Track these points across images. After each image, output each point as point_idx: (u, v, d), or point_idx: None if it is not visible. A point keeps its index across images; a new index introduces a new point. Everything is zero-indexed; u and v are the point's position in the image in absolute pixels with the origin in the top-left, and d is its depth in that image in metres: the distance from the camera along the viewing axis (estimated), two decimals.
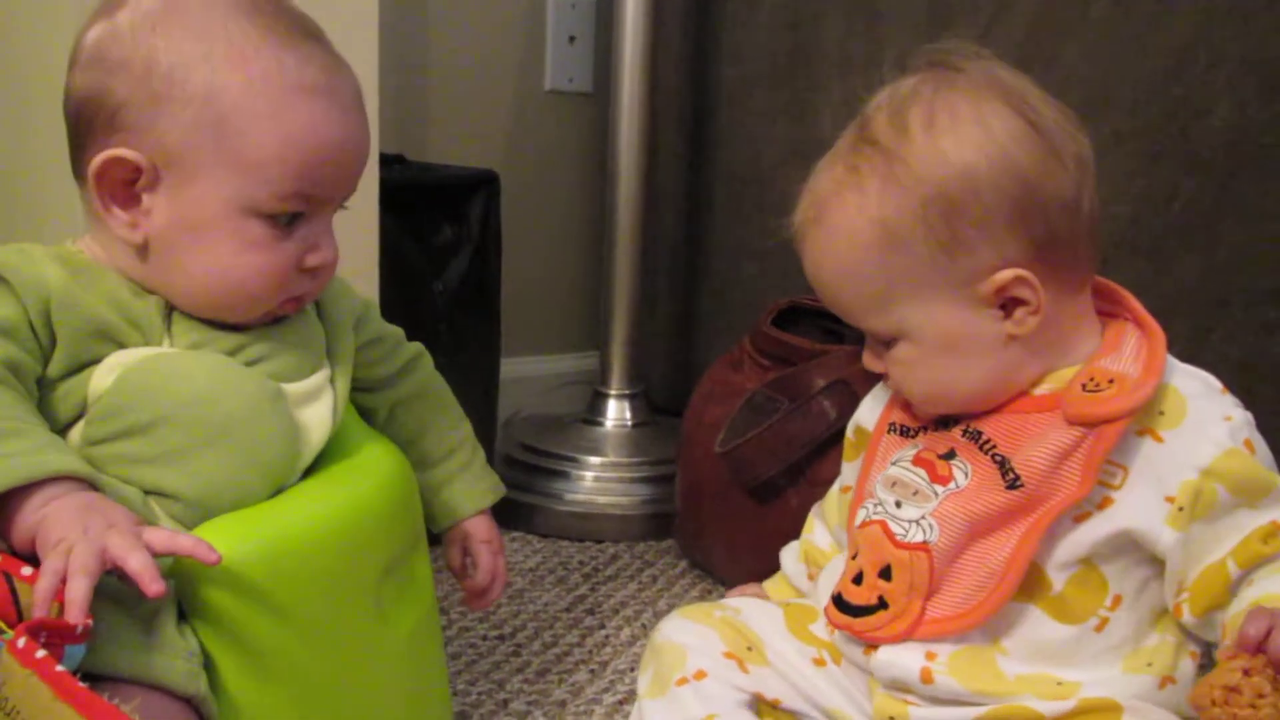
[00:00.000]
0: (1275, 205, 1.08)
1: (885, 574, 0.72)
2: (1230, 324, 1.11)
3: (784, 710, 0.76)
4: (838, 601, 0.74)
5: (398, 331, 0.85)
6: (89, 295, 0.65)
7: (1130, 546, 0.69)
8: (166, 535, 0.57)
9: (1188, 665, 0.70)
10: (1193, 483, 0.66)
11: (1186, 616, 0.68)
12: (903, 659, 0.70)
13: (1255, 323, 1.10)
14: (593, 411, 1.49)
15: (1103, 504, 0.69)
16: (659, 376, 1.62)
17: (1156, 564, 0.69)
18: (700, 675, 0.75)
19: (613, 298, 1.47)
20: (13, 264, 0.63)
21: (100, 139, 0.65)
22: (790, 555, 0.88)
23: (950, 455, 0.73)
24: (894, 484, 0.74)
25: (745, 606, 0.82)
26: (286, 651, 0.64)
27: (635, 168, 1.43)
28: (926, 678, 0.69)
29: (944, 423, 0.75)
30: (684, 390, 1.35)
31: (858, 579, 0.73)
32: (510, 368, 1.54)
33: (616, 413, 1.49)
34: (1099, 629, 0.69)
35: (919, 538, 0.71)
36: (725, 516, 1.16)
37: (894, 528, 0.72)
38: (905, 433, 0.78)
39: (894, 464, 0.76)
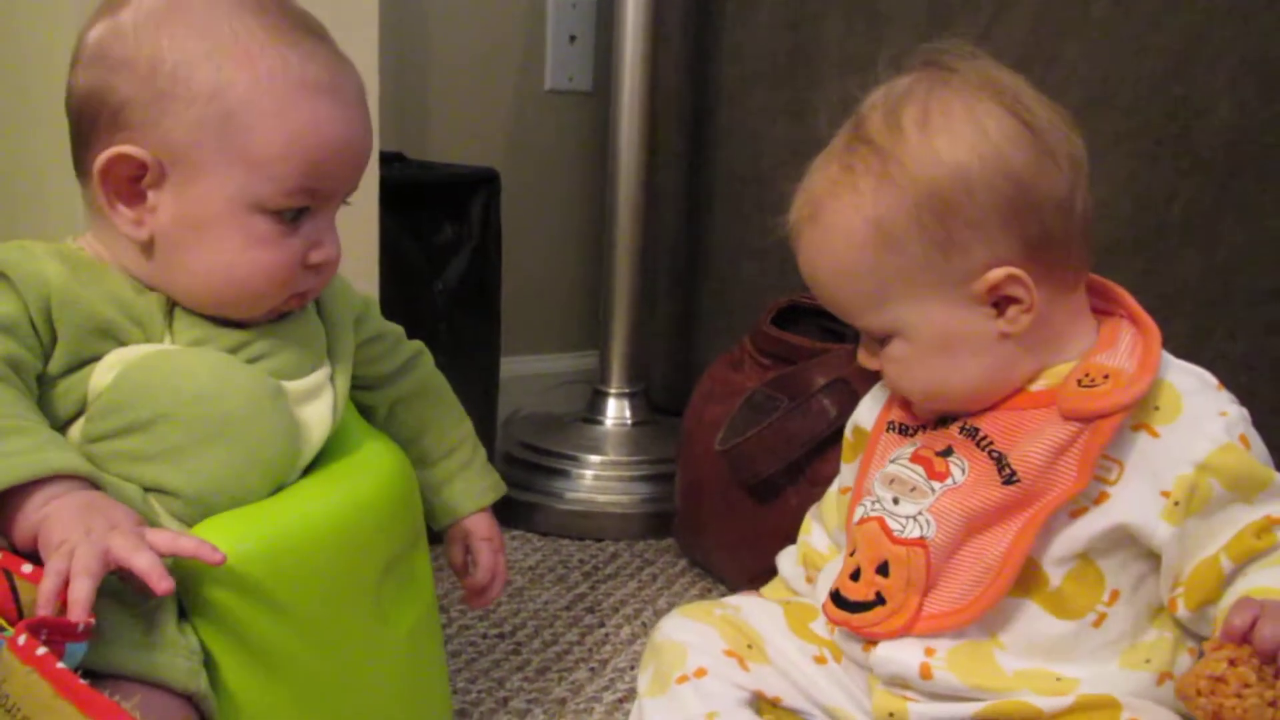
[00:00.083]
0: (1275, 204, 1.08)
1: (883, 570, 0.72)
2: (1230, 323, 1.11)
3: (784, 708, 0.76)
4: (835, 598, 0.74)
5: (398, 329, 0.85)
6: (90, 292, 0.65)
7: (1126, 541, 0.69)
8: (169, 536, 0.58)
9: (1185, 661, 0.70)
10: (1188, 477, 0.67)
11: (1181, 611, 0.68)
12: (901, 655, 0.70)
13: (1256, 322, 1.10)
14: (593, 410, 1.49)
15: (1099, 499, 0.69)
16: (659, 375, 1.62)
17: (1153, 559, 0.69)
18: (701, 673, 0.75)
19: (613, 297, 1.47)
20: (13, 260, 0.64)
21: (104, 137, 0.65)
22: (788, 559, 0.88)
23: (948, 452, 0.73)
24: (892, 481, 0.74)
25: (745, 604, 0.82)
26: (286, 649, 0.64)
27: (635, 167, 1.43)
28: (925, 673, 0.69)
29: (942, 420, 0.76)
30: (684, 389, 1.35)
31: (855, 575, 0.73)
32: (510, 366, 1.54)
33: (616, 411, 1.49)
34: (1096, 624, 0.69)
35: (916, 533, 0.71)
36: (725, 515, 1.16)
37: (891, 524, 0.72)
38: (904, 431, 0.78)
39: (892, 461, 0.76)
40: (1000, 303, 0.70)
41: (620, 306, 1.47)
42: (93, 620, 0.52)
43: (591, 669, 1.03)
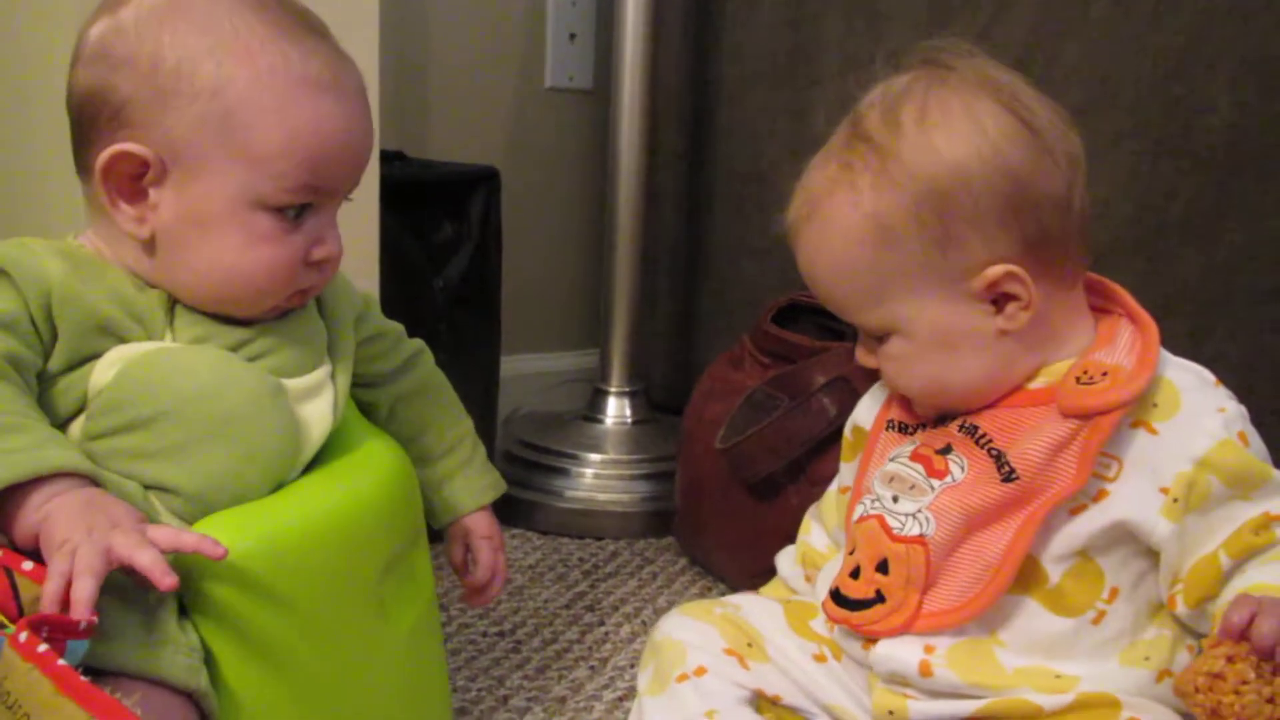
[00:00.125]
0: (1276, 203, 1.08)
1: (882, 568, 0.72)
2: (1231, 322, 1.11)
3: (784, 706, 0.76)
4: (835, 596, 0.74)
5: (398, 327, 0.85)
6: (91, 289, 0.65)
7: (1126, 538, 0.69)
8: (171, 533, 0.58)
9: (1185, 659, 0.70)
10: (1187, 474, 0.67)
11: (1180, 608, 0.68)
12: (901, 652, 0.71)
13: (1256, 321, 1.10)
14: (593, 409, 1.49)
15: (1098, 496, 0.69)
16: (659, 374, 1.62)
17: (1152, 556, 0.69)
18: (701, 672, 0.75)
19: (613, 295, 1.47)
20: (14, 257, 0.63)
21: (105, 134, 0.65)
22: (786, 559, 0.88)
23: (947, 450, 0.73)
24: (891, 479, 0.74)
25: (745, 603, 0.82)
26: (287, 647, 0.64)
27: (635, 166, 1.43)
28: (925, 671, 0.69)
29: (941, 418, 0.76)
30: (684, 388, 1.36)
31: (855, 573, 0.74)
32: (510, 365, 1.54)
33: (617, 410, 1.49)
34: (1096, 622, 0.69)
35: (915, 531, 0.71)
36: (725, 514, 1.16)
37: (891, 522, 0.73)
38: (903, 429, 0.78)
39: (892, 460, 0.76)
40: (999, 300, 0.70)
41: (620, 305, 1.47)
42: (95, 618, 0.52)
43: (591, 667, 1.03)
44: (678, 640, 0.78)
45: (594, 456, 1.40)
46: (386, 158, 1.23)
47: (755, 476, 1.11)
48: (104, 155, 0.65)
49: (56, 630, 0.50)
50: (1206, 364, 0.73)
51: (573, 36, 1.69)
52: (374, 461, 0.74)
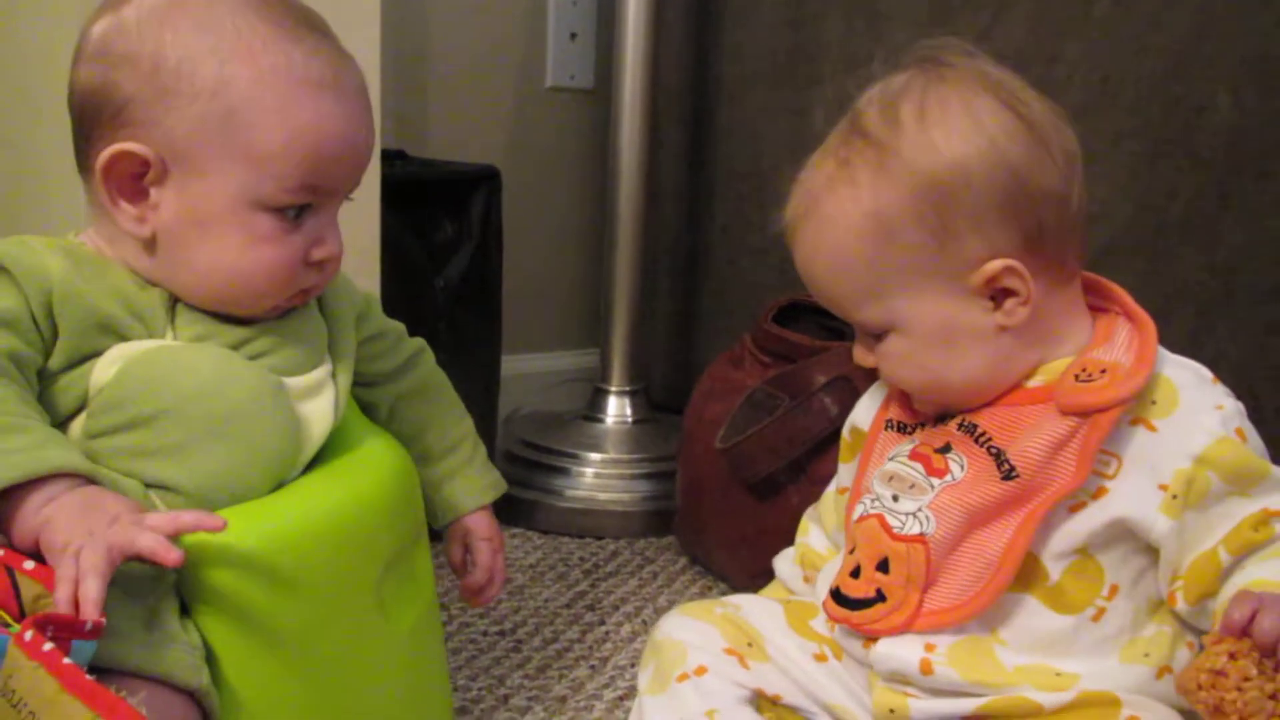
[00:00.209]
0: (1275, 203, 1.08)
1: (883, 567, 0.72)
2: (1231, 322, 1.11)
3: (785, 706, 0.76)
4: (836, 595, 0.74)
5: (399, 326, 0.85)
6: (92, 287, 0.65)
7: (1125, 535, 0.69)
8: (169, 517, 0.58)
9: (1184, 656, 0.70)
10: (1186, 471, 0.67)
11: (1180, 605, 0.68)
12: (901, 651, 0.71)
13: (1256, 320, 1.10)
14: (593, 408, 1.49)
15: (1097, 493, 0.69)
16: (659, 373, 1.62)
17: (1152, 553, 0.69)
18: (701, 671, 0.75)
19: (613, 295, 1.47)
20: (15, 255, 0.64)
21: (107, 133, 0.65)
22: (785, 561, 0.88)
23: (946, 449, 0.74)
24: (891, 479, 0.75)
25: (745, 603, 0.82)
26: (287, 645, 0.64)
27: (636, 165, 1.43)
28: (926, 669, 0.70)
29: (940, 417, 0.76)
30: (684, 387, 1.36)
31: (855, 572, 0.74)
32: (511, 364, 1.54)
33: (617, 409, 1.49)
34: (1096, 619, 0.70)
35: (916, 530, 0.71)
36: (726, 513, 1.16)
37: (891, 521, 0.73)
38: (902, 429, 0.78)
39: (891, 459, 0.76)
40: (997, 295, 0.71)
41: (621, 304, 1.47)
42: (103, 620, 0.52)
43: (592, 667, 1.03)
44: (678, 640, 0.78)
45: (594, 456, 1.40)
46: (387, 157, 1.23)
47: (756, 476, 1.11)
48: (105, 154, 0.65)
49: (62, 629, 0.50)
50: (1207, 363, 0.73)
51: (573, 36, 1.69)
52: (375, 461, 0.74)
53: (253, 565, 0.62)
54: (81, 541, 0.54)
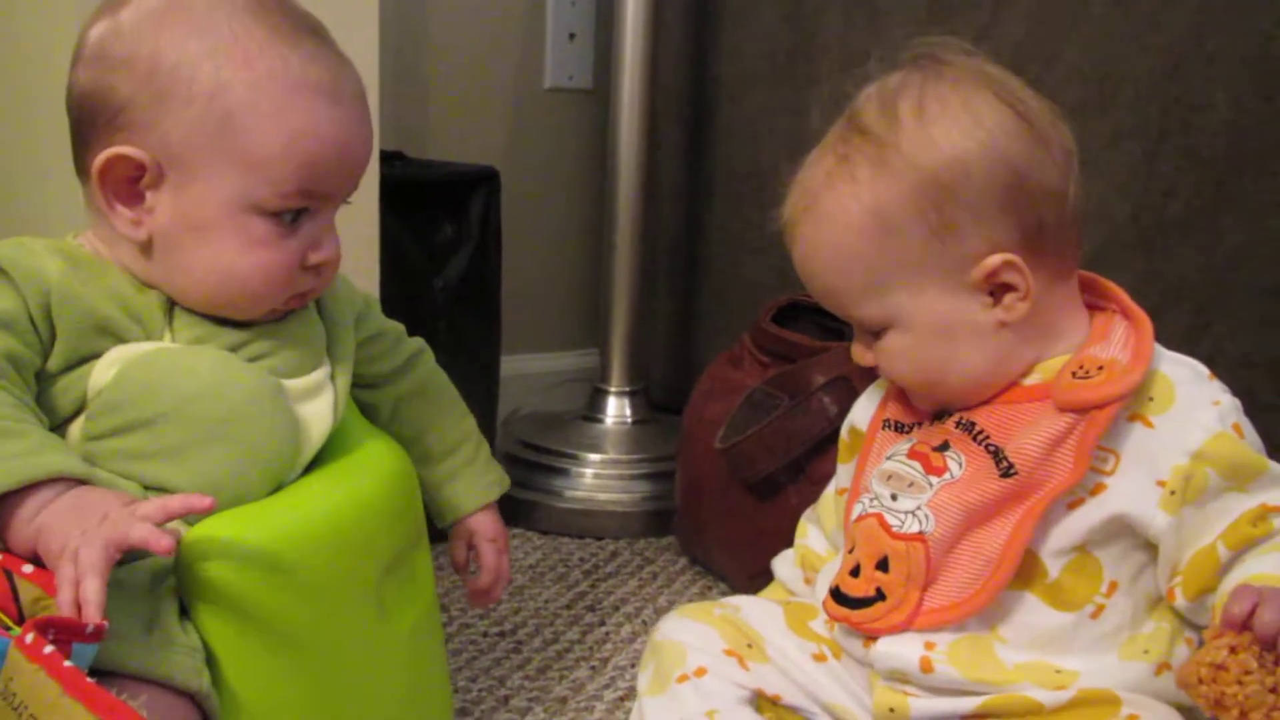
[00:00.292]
0: (1274, 202, 1.08)
1: (882, 565, 0.72)
2: (1230, 320, 1.11)
3: (784, 706, 0.76)
4: (835, 594, 0.74)
5: (398, 327, 0.85)
6: (90, 289, 0.65)
7: (1124, 532, 0.69)
8: (158, 504, 0.58)
9: (1183, 652, 0.70)
10: (1183, 467, 0.67)
11: (1179, 601, 0.68)
12: (901, 649, 0.71)
13: (1255, 318, 1.10)
14: (593, 409, 1.49)
15: (1095, 490, 0.69)
16: (659, 373, 1.62)
17: (1151, 550, 0.69)
18: (701, 672, 0.75)
19: (613, 295, 1.47)
20: (13, 257, 0.64)
21: (104, 136, 0.65)
22: (784, 562, 0.88)
23: (944, 447, 0.74)
24: (889, 478, 0.75)
25: (745, 604, 0.82)
26: (287, 647, 0.64)
27: (635, 165, 1.43)
28: (926, 667, 0.70)
29: (937, 415, 0.76)
30: (684, 387, 1.36)
31: (855, 571, 0.74)
32: (510, 365, 1.54)
33: (616, 410, 1.49)
34: (1095, 616, 0.70)
35: (915, 528, 0.71)
36: (725, 513, 1.16)
37: (890, 520, 0.73)
38: (899, 428, 0.78)
39: (889, 458, 0.76)
40: (996, 291, 0.71)
41: (620, 304, 1.47)
42: (105, 623, 0.52)
43: (592, 667, 1.03)
44: (678, 641, 0.78)
45: (594, 456, 1.40)
46: (386, 158, 1.23)
47: (755, 476, 1.11)
48: (101, 158, 0.65)
49: (63, 632, 0.50)
50: (1204, 361, 0.73)
51: (572, 36, 1.69)
52: (374, 462, 0.74)
53: (252, 567, 0.62)
54: (77, 541, 0.54)
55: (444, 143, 1.59)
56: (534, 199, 1.67)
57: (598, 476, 1.38)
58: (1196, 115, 1.09)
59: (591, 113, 1.69)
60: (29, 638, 0.49)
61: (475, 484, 0.86)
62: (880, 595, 0.72)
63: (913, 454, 0.75)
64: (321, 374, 0.72)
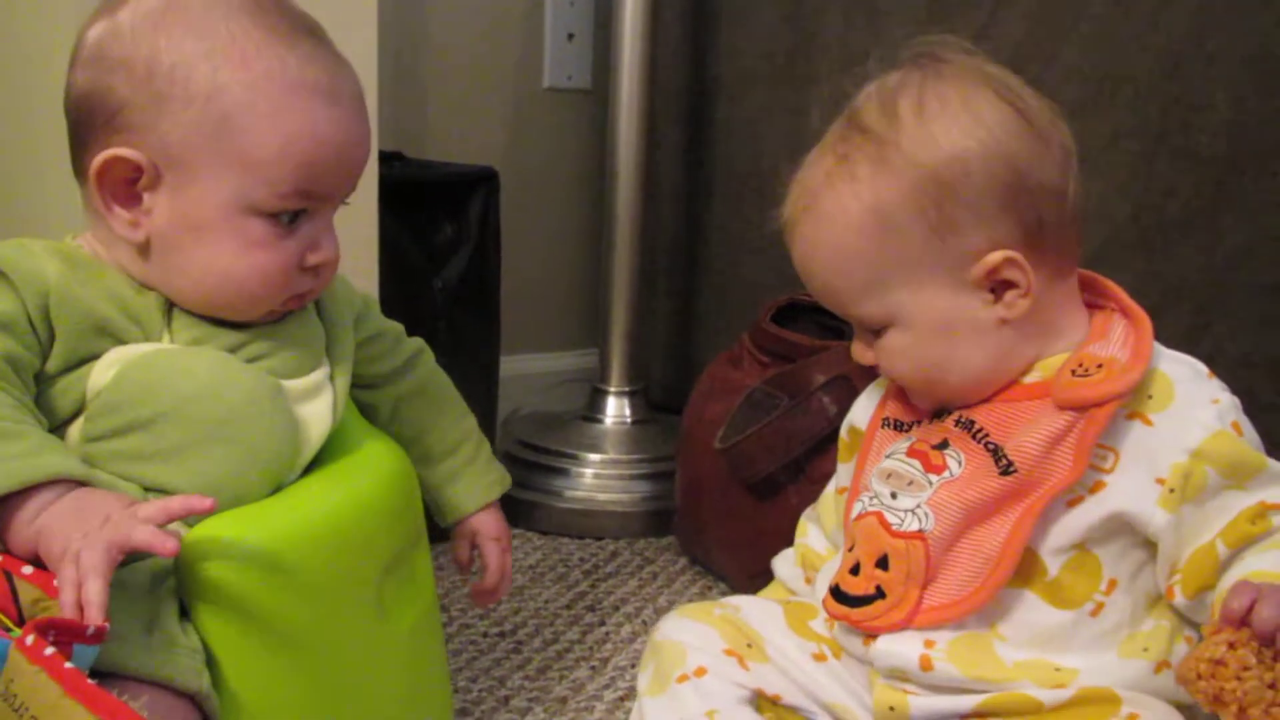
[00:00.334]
0: (1274, 201, 1.08)
1: (882, 564, 0.72)
2: (1230, 319, 1.11)
3: (784, 706, 0.76)
4: (835, 593, 0.74)
5: (398, 327, 0.85)
6: (89, 290, 0.65)
7: (1123, 530, 0.69)
8: (159, 506, 0.58)
9: (1183, 650, 0.70)
10: (1183, 465, 0.67)
11: (1179, 598, 0.68)
12: (901, 647, 0.71)
13: (1255, 318, 1.10)
14: (592, 409, 1.49)
15: (1095, 488, 0.70)
16: (658, 373, 1.62)
17: (1150, 548, 0.70)
18: (701, 672, 0.75)
19: (612, 295, 1.47)
20: (11, 258, 0.63)
21: (101, 138, 0.65)
22: (784, 562, 0.89)
23: (943, 445, 0.74)
24: (889, 476, 0.75)
25: (745, 604, 0.82)
26: (287, 648, 0.64)
27: (634, 165, 1.43)
28: (926, 665, 0.70)
29: (937, 414, 0.76)
30: (684, 387, 1.36)
31: (855, 570, 0.74)
32: (510, 365, 1.54)
33: (616, 410, 1.49)
34: (1094, 614, 0.70)
35: (915, 526, 0.71)
36: (725, 513, 1.16)
37: (890, 518, 0.73)
38: (899, 427, 0.79)
39: (888, 457, 0.76)
40: (997, 288, 0.71)
41: (619, 304, 1.47)
42: (106, 625, 0.52)
43: (592, 667, 1.03)
44: (677, 641, 0.78)
45: (594, 456, 1.40)
46: (385, 158, 1.23)
47: (755, 476, 1.11)
48: (98, 159, 0.65)
49: (64, 634, 0.50)
50: (1204, 360, 0.73)
51: (571, 36, 1.69)
52: (374, 463, 0.74)
53: (252, 567, 0.62)
54: (79, 543, 0.54)
55: (443, 143, 1.59)
56: (533, 199, 1.67)
57: (597, 476, 1.38)
58: (1196, 115, 1.09)
59: (590, 113, 1.69)
60: (29, 639, 0.49)
61: (477, 483, 0.86)
62: (880, 593, 0.72)
63: (912, 452, 0.75)
64: (320, 374, 0.72)
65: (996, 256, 0.70)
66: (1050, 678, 0.69)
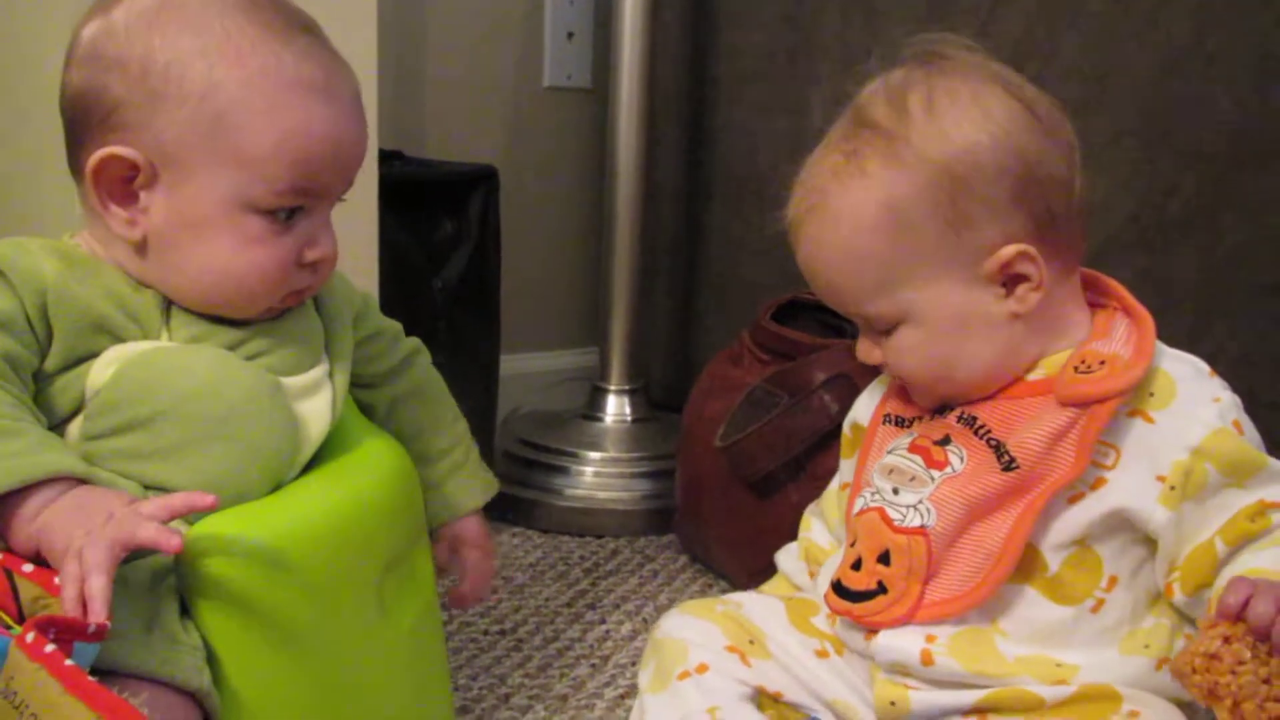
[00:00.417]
0: (1275, 199, 1.08)
1: (884, 559, 0.72)
2: (1230, 318, 1.11)
3: (786, 703, 0.76)
4: (837, 588, 0.74)
5: (396, 326, 0.85)
6: (86, 288, 0.65)
7: (1124, 526, 0.70)
8: (160, 504, 0.58)
9: (1183, 648, 0.70)
10: (1183, 462, 0.68)
11: (1178, 596, 0.69)
12: (903, 642, 0.71)
13: (1255, 316, 1.10)
14: (592, 407, 1.49)
15: (1096, 484, 0.70)
16: (658, 372, 1.62)
17: (1151, 545, 0.70)
18: (702, 669, 0.75)
19: (612, 293, 1.47)
20: (9, 257, 0.63)
21: (97, 136, 0.65)
22: (788, 556, 0.89)
23: (945, 441, 0.74)
24: (891, 471, 0.75)
25: (746, 601, 0.82)
26: (287, 645, 0.64)
27: (634, 164, 1.43)
28: (927, 659, 0.70)
29: (939, 410, 0.76)
30: (684, 385, 1.36)
31: (856, 565, 0.74)
32: (510, 364, 1.54)
33: (616, 408, 1.49)
34: (1095, 610, 0.70)
35: (916, 522, 0.71)
36: (725, 511, 1.16)
37: (892, 513, 0.73)
38: (900, 423, 0.79)
39: (890, 452, 0.76)
40: (1009, 282, 0.71)
41: (619, 303, 1.47)
42: (106, 623, 0.52)
43: (593, 665, 1.03)
44: (679, 638, 0.78)
45: (594, 455, 1.40)
46: (385, 157, 1.23)
47: (755, 474, 1.11)
48: (94, 158, 0.65)
49: (64, 631, 0.50)
50: (1205, 359, 0.73)
51: (570, 35, 1.69)
52: (375, 461, 0.74)
53: (253, 565, 0.62)
54: (81, 540, 0.54)
55: (443, 142, 1.59)
56: (533, 198, 1.67)
57: (598, 475, 1.38)
58: (1197, 113, 1.09)
59: (590, 112, 1.69)
60: (30, 636, 0.49)
61: (465, 489, 0.86)
62: (882, 588, 0.72)
63: (914, 448, 0.75)
64: (320, 371, 0.72)
65: (1010, 250, 0.70)
66: (1051, 674, 0.69)
